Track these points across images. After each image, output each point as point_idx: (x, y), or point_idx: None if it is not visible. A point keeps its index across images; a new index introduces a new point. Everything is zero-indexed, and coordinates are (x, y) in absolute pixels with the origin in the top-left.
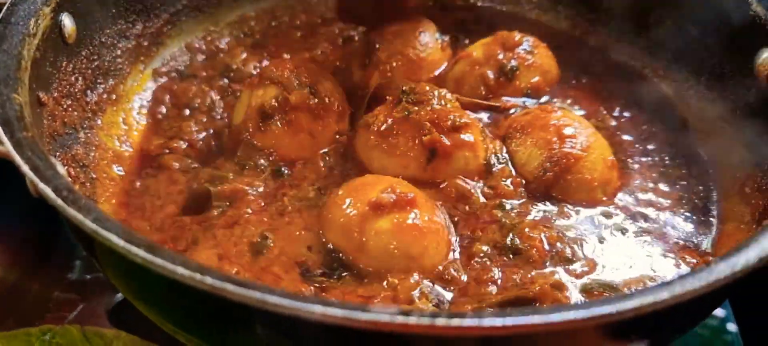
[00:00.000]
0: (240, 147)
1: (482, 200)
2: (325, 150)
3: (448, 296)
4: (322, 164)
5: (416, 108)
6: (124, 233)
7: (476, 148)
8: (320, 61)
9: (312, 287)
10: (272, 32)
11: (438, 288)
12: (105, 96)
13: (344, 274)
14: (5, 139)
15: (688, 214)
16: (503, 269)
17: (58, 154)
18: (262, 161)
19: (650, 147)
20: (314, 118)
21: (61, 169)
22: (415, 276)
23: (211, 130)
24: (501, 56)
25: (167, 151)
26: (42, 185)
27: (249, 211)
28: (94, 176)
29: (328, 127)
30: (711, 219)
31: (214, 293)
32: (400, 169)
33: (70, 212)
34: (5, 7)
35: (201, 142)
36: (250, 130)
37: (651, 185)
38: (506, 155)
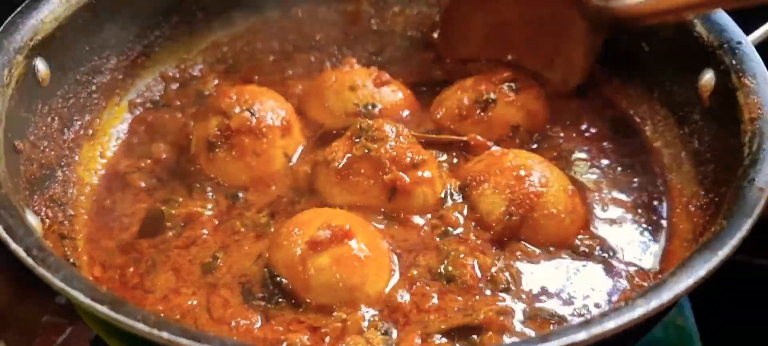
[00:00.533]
0: (191, 176)
1: (426, 229)
2: (281, 173)
3: (394, 328)
4: (274, 189)
5: (375, 145)
6: (89, 291)
7: (434, 184)
8: (291, 84)
9: (257, 314)
10: (245, 56)
11: (384, 320)
12: (81, 132)
13: (281, 300)
14: None
15: (640, 230)
16: (440, 295)
17: (34, 198)
18: (209, 189)
19: (604, 163)
20: (256, 138)
21: (34, 222)
22: (363, 308)
23: (176, 155)
24: (483, 87)
25: (134, 170)
26: (14, 246)
27: (204, 232)
28: (72, 212)
29: (272, 144)
30: (659, 237)
31: (170, 345)
32: (363, 205)
33: (40, 271)
34: None
35: (166, 165)
36: (201, 161)
37: (604, 205)
38: (460, 192)
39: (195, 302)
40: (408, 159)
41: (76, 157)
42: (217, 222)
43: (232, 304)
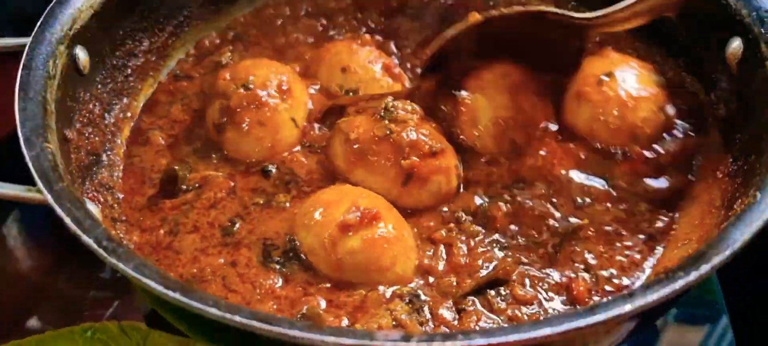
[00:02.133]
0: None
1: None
2: (298, 149)
3: (422, 295)
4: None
5: (398, 128)
6: (161, 279)
7: (450, 175)
8: (294, 45)
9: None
10: (253, 23)
11: (412, 287)
12: (121, 115)
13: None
14: (45, 192)
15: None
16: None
17: (86, 185)
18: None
19: None
20: (257, 109)
21: (95, 210)
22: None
23: (195, 119)
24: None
25: (155, 128)
26: (85, 238)
27: (222, 194)
28: (121, 195)
29: (275, 110)
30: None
31: (243, 328)
32: (376, 186)
33: (112, 261)
34: (25, 52)
35: (185, 126)
36: (218, 143)
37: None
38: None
39: (222, 261)
40: (427, 147)
41: (118, 141)
42: (233, 185)
43: (253, 264)
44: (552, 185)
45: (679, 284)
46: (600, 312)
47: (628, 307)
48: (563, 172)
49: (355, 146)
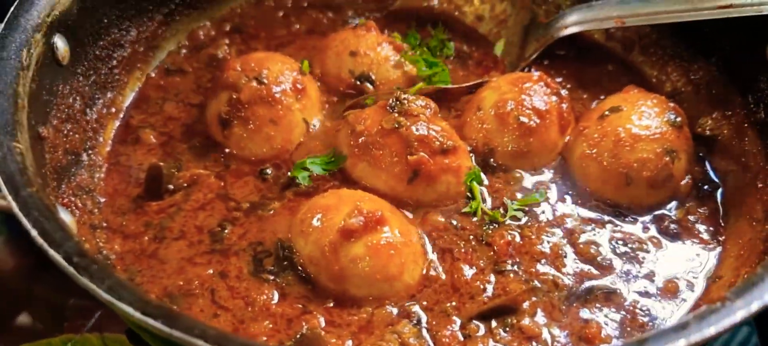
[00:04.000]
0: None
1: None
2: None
3: (424, 317)
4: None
5: (407, 122)
6: (140, 304)
7: (460, 175)
8: (295, 35)
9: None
10: (253, 14)
11: (416, 308)
12: (105, 111)
13: (291, 276)
14: (9, 199)
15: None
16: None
17: (62, 188)
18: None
19: None
20: (270, 106)
21: (69, 219)
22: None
23: (193, 115)
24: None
25: (147, 126)
26: (52, 253)
27: (212, 195)
28: (102, 199)
29: (289, 109)
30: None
31: None
32: (380, 183)
33: (83, 281)
34: None
35: (182, 122)
36: (218, 137)
37: None
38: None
39: (211, 271)
40: (437, 143)
41: (101, 139)
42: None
43: (244, 275)
44: None
45: (738, 315)
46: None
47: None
48: None
49: (361, 139)
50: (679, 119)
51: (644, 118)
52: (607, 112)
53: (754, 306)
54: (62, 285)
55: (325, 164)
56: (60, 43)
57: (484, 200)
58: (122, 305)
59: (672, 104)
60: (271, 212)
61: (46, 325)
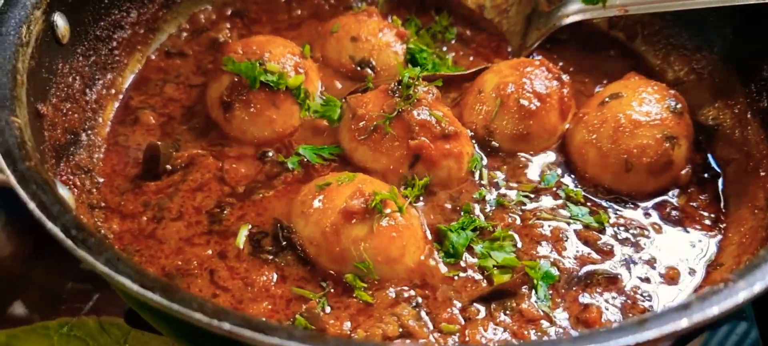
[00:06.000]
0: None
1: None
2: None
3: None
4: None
5: (409, 106)
6: (138, 276)
7: (462, 160)
8: (297, 22)
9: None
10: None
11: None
12: (104, 91)
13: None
14: (8, 172)
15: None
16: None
17: (61, 166)
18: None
19: None
20: (271, 91)
21: (67, 195)
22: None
23: (193, 96)
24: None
25: (146, 107)
26: (50, 225)
27: (210, 176)
28: (101, 179)
29: (290, 93)
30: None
31: (232, 337)
32: (380, 167)
33: (80, 253)
34: None
35: (182, 104)
36: (219, 120)
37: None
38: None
39: (210, 252)
40: (439, 128)
41: (100, 119)
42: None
43: (243, 256)
44: None
45: (741, 296)
46: (652, 326)
47: (683, 323)
48: None
49: (362, 123)
50: (679, 106)
51: (644, 105)
52: (607, 99)
53: (757, 287)
54: (60, 269)
55: (317, 149)
56: (60, 21)
57: (486, 186)
58: (120, 277)
59: (673, 91)
60: (272, 194)
61: (41, 314)
